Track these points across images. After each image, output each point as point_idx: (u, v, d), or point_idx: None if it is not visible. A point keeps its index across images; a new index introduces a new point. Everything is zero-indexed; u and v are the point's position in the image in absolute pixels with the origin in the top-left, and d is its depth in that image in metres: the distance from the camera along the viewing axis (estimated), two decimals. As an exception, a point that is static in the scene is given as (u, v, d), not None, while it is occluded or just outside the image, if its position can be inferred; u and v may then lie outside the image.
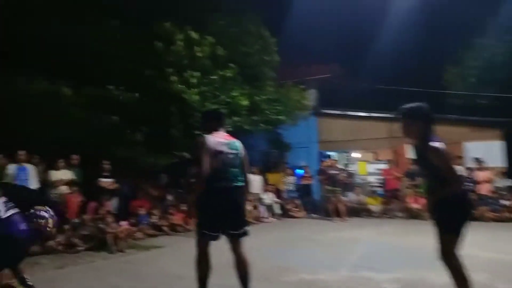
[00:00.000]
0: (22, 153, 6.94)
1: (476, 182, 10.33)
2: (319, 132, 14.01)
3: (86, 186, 8.03)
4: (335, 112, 13.99)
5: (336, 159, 12.26)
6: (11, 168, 6.80)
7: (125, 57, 8.80)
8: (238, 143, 3.51)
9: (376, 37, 17.23)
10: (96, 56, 8.67)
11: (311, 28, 16.14)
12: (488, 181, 10.33)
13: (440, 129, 11.59)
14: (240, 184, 3.44)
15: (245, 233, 3.44)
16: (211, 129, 3.48)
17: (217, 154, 3.28)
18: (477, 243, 6.18)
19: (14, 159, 6.93)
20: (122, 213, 8.22)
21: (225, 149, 3.35)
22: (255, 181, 11.24)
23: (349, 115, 13.79)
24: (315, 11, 16.15)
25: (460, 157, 11.12)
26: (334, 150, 13.53)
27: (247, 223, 3.55)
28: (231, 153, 3.40)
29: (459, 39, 14.54)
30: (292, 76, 12.66)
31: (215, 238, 3.37)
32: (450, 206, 2.97)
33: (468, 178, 10.45)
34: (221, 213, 3.30)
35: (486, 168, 10.48)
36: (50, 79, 8.07)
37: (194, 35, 8.81)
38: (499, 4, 13.27)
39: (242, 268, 3.42)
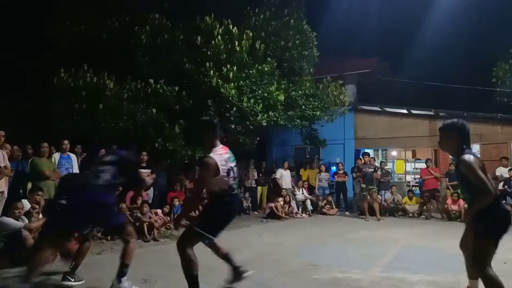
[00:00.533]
0: (66, 143, 7.24)
1: (522, 185, 9.81)
2: (356, 129, 13.77)
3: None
4: (373, 108, 13.69)
5: (373, 156, 12.02)
6: (56, 157, 7.14)
7: (166, 51, 9.04)
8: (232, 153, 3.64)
9: (420, 31, 16.57)
10: (138, 49, 8.96)
11: (352, 22, 15.83)
12: (535, 183, 9.77)
13: (486, 129, 11.19)
14: (236, 191, 3.74)
15: None
16: (211, 143, 3.52)
17: (228, 172, 3.43)
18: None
19: (58, 148, 7.27)
20: (158, 204, 8.50)
21: (231, 165, 3.49)
22: (287, 177, 11.29)
23: (388, 111, 13.45)
24: (357, 4, 15.80)
25: (506, 158, 10.60)
26: (371, 147, 13.26)
27: None
28: (235, 166, 3.55)
29: (509, 34, 13.72)
30: (331, 71, 12.50)
31: (212, 241, 3.54)
32: (484, 215, 2.97)
33: (512, 179, 9.96)
34: (227, 221, 3.54)
35: (536, 171, 9.91)
36: (94, 72, 8.42)
37: (234, 29, 8.88)
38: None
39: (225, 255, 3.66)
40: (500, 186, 10.03)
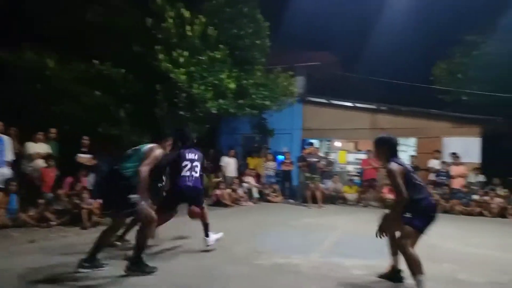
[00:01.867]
0: (-2, 124, 6.78)
1: (451, 176, 10.70)
2: (304, 119, 14.14)
3: (64, 161, 7.96)
4: (320, 100, 14.11)
5: (318, 147, 12.45)
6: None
7: (113, 31, 8.66)
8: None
9: (369, 29, 17.29)
10: (83, 28, 8.51)
11: (305, 15, 16.07)
12: (462, 176, 10.71)
13: (421, 123, 11.92)
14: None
15: None
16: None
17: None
18: (445, 235, 6.48)
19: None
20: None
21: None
22: (232, 164, 11.40)
23: (334, 104, 13.94)
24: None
25: (438, 152, 11.47)
26: (316, 137, 13.70)
27: None
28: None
29: (450, 35, 14.73)
30: (282, 62, 12.66)
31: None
32: (407, 209, 3.69)
33: (443, 171, 10.83)
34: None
35: (462, 163, 10.84)
36: (35, 50, 7.89)
37: (186, 13, 8.69)
38: (490, 3, 13.42)
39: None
40: (433, 176, 10.90)
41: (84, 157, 8.15)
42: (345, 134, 13.78)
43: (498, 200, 9.88)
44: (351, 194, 11.57)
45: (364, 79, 16.38)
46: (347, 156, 13.91)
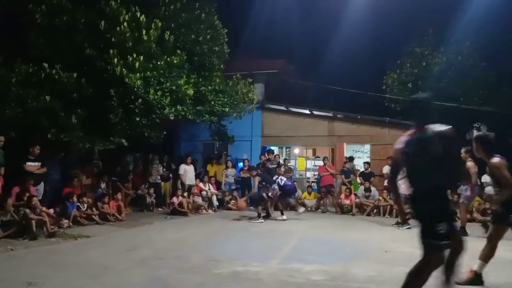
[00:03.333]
0: None
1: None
2: (263, 126, 14.22)
3: (11, 169, 7.45)
4: (279, 108, 14.27)
5: (277, 153, 12.54)
6: None
7: (64, 34, 8.26)
8: None
9: (325, 38, 17.80)
10: (31, 29, 8.05)
11: (263, 23, 16.26)
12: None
13: (375, 131, 12.26)
14: None
15: None
16: None
17: None
18: (399, 238, 6.70)
19: None
20: (50, 200, 7.79)
21: None
22: (190, 172, 11.23)
23: (292, 111, 14.13)
24: (268, 5, 16.28)
25: (391, 158, 11.88)
26: (276, 144, 13.81)
27: None
28: None
29: (401, 46, 15.43)
30: (240, 68, 12.68)
31: None
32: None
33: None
34: None
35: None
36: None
37: (142, 17, 8.46)
38: (438, 17, 14.21)
39: None
40: (386, 182, 11.26)
41: (32, 165, 7.69)
42: (303, 141, 14.00)
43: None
44: (310, 200, 11.72)
45: (321, 87, 16.78)
46: (306, 163, 14.12)
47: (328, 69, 17.29)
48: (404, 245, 6.34)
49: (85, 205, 8.06)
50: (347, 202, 10.88)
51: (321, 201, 11.51)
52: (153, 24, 8.54)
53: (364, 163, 12.04)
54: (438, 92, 14.12)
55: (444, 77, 13.74)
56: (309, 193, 11.95)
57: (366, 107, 14.77)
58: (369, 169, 11.62)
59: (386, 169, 11.56)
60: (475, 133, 14.80)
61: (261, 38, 16.26)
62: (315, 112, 13.94)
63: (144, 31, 8.34)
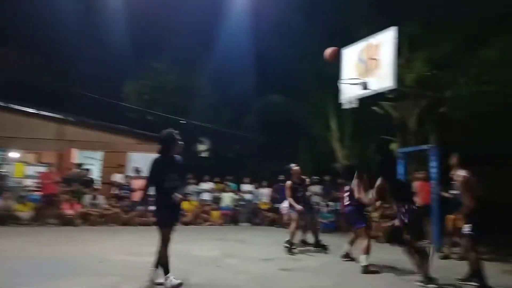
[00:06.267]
0: None
1: (132, 190, 11.34)
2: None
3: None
4: (-3, 103, 11.99)
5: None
6: None
7: None
8: None
9: (67, 34, 16.26)
10: None
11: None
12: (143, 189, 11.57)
13: (109, 137, 12.13)
14: None
15: None
16: None
17: None
18: (115, 248, 6.72)
19: None
20: None
21: None
22: None
23: (13, 108, 12.15)
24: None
25: (122, 166, 11.99)
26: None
27: None
28: None
29: (141, 59, 15.89)
30: None
31: None
32: None
33: (126, 185, 11.38)
34: None
35: (143, 178, 11.71)
36: None
37: None
38: (178, 37, 15.47)
39: None
40: (117, 190, 11.22)
41: None
42: (25, 144, 12.19)
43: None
44: (25, 212, 10.20)
45: (56, 88, 15.30)
46: (26, 169, 12.33)
47: (67, 67, 15.97)
48: (118, 253, 6.41)
49: None
50: (71, 211, 10.15)
51: (41, 212, 10.24)
52: None
53: (84, 169, 11.58)
54: (173, 108, 15.39)
55: (177, 93, 15.14)
56: (24, 204, 10.38)
57: (104, 113, 14.39)
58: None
59: (115, 177, 11.56)
60: (200, 146, 16.99)
61: None
62: (42, 112, 12.46)
63: None
